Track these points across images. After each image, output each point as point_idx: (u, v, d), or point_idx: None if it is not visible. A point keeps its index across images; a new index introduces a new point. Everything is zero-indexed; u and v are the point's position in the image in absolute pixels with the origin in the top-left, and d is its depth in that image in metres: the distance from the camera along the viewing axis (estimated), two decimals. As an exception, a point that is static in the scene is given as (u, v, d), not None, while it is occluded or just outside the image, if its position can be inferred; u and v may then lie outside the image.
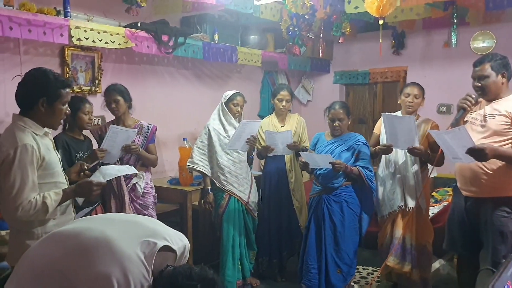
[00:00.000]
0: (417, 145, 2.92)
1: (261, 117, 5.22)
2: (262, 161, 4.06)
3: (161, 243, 1.50)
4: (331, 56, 5.73)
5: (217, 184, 3.53)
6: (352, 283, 3.35)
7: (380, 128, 3.28)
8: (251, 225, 3.66)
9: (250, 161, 3.79)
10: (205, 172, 3.51)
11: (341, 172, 3.14)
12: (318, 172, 3.26)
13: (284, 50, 4.97)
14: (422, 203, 3.13)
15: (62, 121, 2.29)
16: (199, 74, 4.65)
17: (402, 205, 3.15)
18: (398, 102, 3.29)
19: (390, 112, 3.30)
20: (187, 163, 3.54)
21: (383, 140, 3.18)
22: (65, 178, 2.16)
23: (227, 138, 3.49)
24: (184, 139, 3.83)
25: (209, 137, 3.54)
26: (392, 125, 2.97)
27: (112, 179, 2.79)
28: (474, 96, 2.63)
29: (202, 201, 3.63)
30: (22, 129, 1.98)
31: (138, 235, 1.50)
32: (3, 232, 2.58)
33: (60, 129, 2.63)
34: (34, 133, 2.00)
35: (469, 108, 2.62)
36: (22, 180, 1.90)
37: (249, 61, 4.56)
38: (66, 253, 1.49)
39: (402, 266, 3.15)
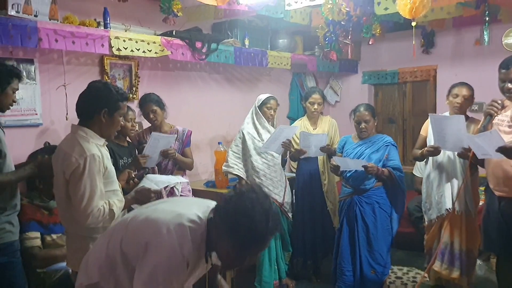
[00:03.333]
0: (466, 146, 2.82)
1: (291, 119, 5.28)
2: (294, 164, 4.10)
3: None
4: (359, 56, 5.73)
5: (252, 187, 3.59)
6: (388, 283, 3.35)
7: (427, 129, 3.21)
8: (286, 226, 3.70)
9: (283, 163, 3.83)
10: (241, 175, 3.58)
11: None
12: (348, 174, 3.28)
13: (313, 52, 5.02)
14: (471, 206, 3.05)
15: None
16: (230, 78, 4.73)
17: (450, 209, 3.06)
18: (446, 103, 3.20)
19: (422, 111, 3.24)
20: (223, 167, 3.62)
21: (430, 142, 3.10)
22: (119, 186, 2.24)
23: (261, 142, 3.54)
24: (219, 143, 3.92)
25: (244, 141, 3.60)
26: (439, 126, 2.89)
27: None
28: (500, 102, 2.61)
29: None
30: (86, 139, 2.04)
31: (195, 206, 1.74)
32: (55, 236, 2.71)
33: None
34: (96, 143, 2.07)
35: (495, 114, 2.60)
36: (92, 189, 1.97)
37: (279, 64, 4.62)
38: (127, 229, 1.66)
39: (451, 271, 3.06)
